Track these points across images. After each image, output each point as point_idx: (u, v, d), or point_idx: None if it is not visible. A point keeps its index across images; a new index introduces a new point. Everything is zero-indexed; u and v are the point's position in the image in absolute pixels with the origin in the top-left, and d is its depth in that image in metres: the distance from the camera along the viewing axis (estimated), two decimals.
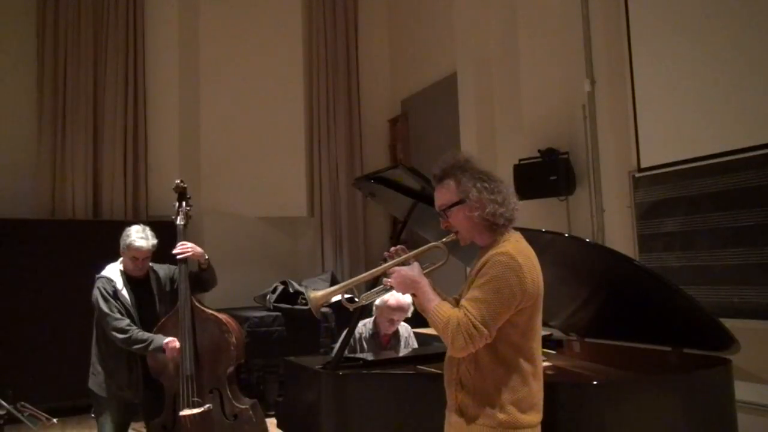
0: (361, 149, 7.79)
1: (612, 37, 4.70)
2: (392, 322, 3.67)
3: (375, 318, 3.74)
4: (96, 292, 3.40)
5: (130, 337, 3.32)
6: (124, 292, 3.44)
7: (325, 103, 7.63)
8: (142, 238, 3.43)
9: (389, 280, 2.05)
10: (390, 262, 2.11)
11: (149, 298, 3.56)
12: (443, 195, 2.06)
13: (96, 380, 3.45)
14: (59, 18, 6.44)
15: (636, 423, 2.34)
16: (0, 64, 6.31)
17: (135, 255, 3.44)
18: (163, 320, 3.52)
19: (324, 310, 6.09)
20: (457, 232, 2.06)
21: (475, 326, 1.84)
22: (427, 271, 2.05)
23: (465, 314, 1.86)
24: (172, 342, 3.36)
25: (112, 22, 6.67)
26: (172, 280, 3.63)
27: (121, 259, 3.54)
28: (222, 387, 3.50)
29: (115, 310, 3.37)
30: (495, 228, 2.00)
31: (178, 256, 3.52)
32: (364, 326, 3.74)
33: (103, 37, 6.65)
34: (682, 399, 2.47)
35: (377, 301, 3.68)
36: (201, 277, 3.64)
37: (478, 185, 2.00)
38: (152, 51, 6.96)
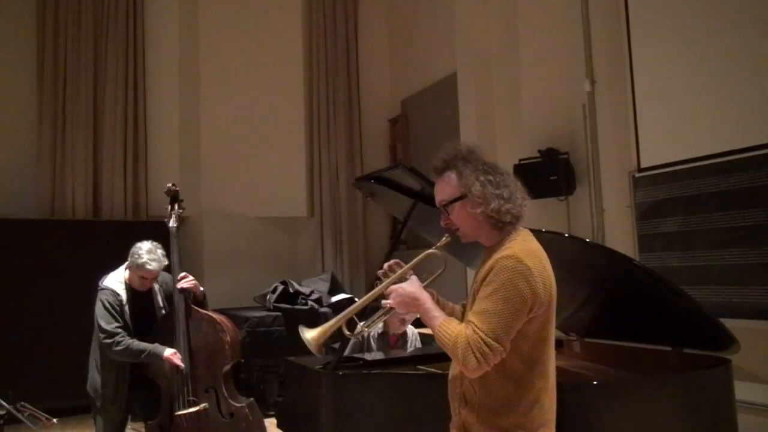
0: (361, 149, 7.79)
1: (612, 37, 4.70)
2: (403, 321, 3.67)
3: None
4: (99, 305, 3.38)
5: (126, 348, 3.32)
6: (127, 308, 3.44)
7: (325, 103, 7.63)
8: (154, 260, 3.40)
9: (389, 301, 1.88)
10: (386, 282, 1.95)
11: (150, 309, 3.58)
12: (444, 189, 1.87)
13: (91, 384, 3.48)
14: (59, 18, 6.44)
15: (636, 423, 2.34)
16: (0, 65, 6.31)
17: (144, 276, 3.44)
18: (158, 322, 3.55)
19: (323, 310, 6.09)
20: (457, 230, 1.89)
21: (486, 343, 1.66)
22: (426, 282, 1.91)
23: (474, 331, 1.68)
24: (175, 356, 3.37)
25: (112, 22, 6.67)
26: (167, 285, 3.64)
27: (126, 267, 3.51)
28: (218, 386, 3.51)
29: (115, 327, 3.35)
30: (501, 226, 1.82)
31: (180, 284, 3.51)
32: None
33: (103, 37, 6.65)
34: (682, 399, 2.48)
35: (384, 301, 3.68)
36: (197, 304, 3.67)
37: (482, 178, 1.82)
38: (152, 51, 6.96)
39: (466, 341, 1.68)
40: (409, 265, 1.98)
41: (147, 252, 3.40)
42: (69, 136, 6.40)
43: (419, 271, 1.98)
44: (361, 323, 2.01)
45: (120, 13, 6.71)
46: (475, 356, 1.67)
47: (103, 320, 3.35)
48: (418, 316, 3.52)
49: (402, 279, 1.94)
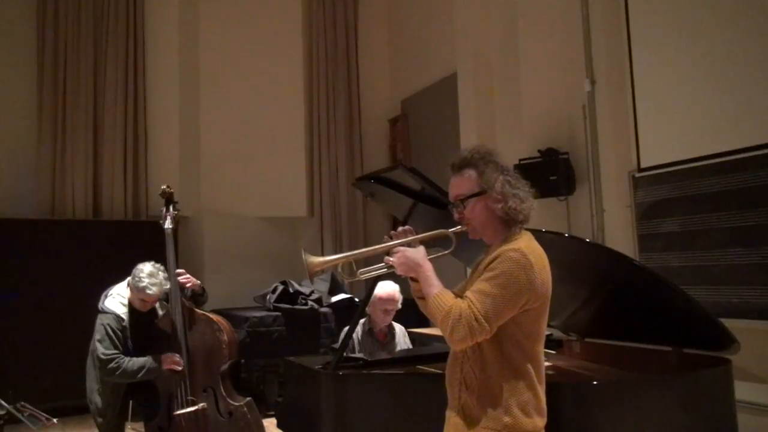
0: (361, 149, 7.79)
1: (612, 37, 4.70)
2: (387, 312, 3.69)
3: (369, 315, 3.75)
4: (101, 330, 3.38)
5: (118, 368, 3.34)
6: (129, 332, 3.45)
7: (325, 103, 7.63)
8: (154, 284, 3.39)
9: (392, 259, 1.98)
10: (395, 241, 2.04)
11: (150, 327, 3.58)
12: (462, 185, 1.98)
13: (88, 393, 3.49)
14: (59, 18, 6.44)
15: (636, 423, 2.34)
16: (0, 65, 6.30)
17: (145, 299, 3.44)
18: (155, 323, 3.56)
19: (323, 310, 6.10)
20: (468, 225, 1.99)
21: (477, 319, 1.78)
22: (431, 257, 1.98)
23: (469, 306, 1.80)
24: (171, 359, 3.39)
25: (112, 22, 6.67)
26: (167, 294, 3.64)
27: (128, 285, 3.51)
28: (216, 385, 3.52)
29: (114, 354, 3.35)
30: (511, 224, 1.93)
31: (179, 279, 3.54)
32: (359, 325, 3.75)
33: (103, 37, 6.65)
34: (682, 399, 2.47)
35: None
36: (196, 299, 3.70)
37: (502, 178, 1.93)
38: (152, 51, 6.96)
39: (459, 313, 1.80)
40: (420, 236, 2.07)
41: (148, 276, 3.38)
42: (69, 137, 6.39)
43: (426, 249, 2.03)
44: (359, 270, 2.09)
45: (120, 13, 6.71)
46: (464, 328, 1.79)
47: (102, 346, 3.35)
48: (399, 307, 3.58)
49: (410, 246, 2.02)
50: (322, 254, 7.41)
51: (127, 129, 6.68)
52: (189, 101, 7.12)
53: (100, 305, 3.47)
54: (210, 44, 7.22)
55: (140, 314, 3.51)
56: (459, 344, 1.85)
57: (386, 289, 3.61)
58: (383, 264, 2.04)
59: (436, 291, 1.88)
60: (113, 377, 3.36)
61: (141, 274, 3.39)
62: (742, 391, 2.84)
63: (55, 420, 2.86)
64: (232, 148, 7.21)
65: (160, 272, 3.44)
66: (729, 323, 2.63)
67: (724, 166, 3.86)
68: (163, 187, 3.79)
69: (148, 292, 3.37)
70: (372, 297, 3.63)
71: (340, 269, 2.10)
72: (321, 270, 2.06)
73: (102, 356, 3.33)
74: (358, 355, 3.42)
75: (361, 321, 3.76)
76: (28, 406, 2.86)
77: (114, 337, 3.36)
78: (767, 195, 3.63)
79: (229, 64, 7.26)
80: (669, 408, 2.41)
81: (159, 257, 3.65)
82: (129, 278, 3.49)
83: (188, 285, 3.59)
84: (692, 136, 4.10)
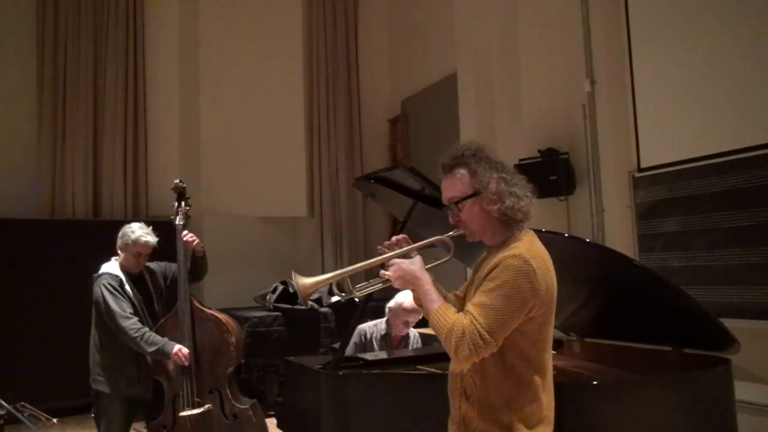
0: (361, 149, 7.80)
1: (612, 37, 4.70)
2: (407, 324, 3.67)
3: (388, 319, 3.73)
4: (101, 290, 3.33)
5: (141, 336, 3.28)
6: (128, 288, 3.41)
7: (325, 103, 7.63)
8: (147, 233, 3.44)
9: (387, 273, 1.87)
10: (390, 253, 1.93)
11: (147, 294, 3.56)
12: (454, 186, 1.87)
13: (102, 380, 3.39)
14: (59, 18, 6.44)
15: (636, 423, 2.34)
16: (0, 65, 6.30)
17: (140, 251, 3.43)
18: (162, 320, 3.53)
19: (323, 310, 6.10)
20: (465, 228, 1.89)
21: (481, 335, 1.69)
22: (429, 266, 1.88)
23: (471, 321, 1.70)
24: (181, 351, 3.36)
25: (112, 22, 6.67)
26: (166, 278, 3.63)
27: (114, 258, 3.50)
28: (222, 387, 3.51)
29: (125, 307, 3.31)
30: (510, 224, 1.84)
31: (185, 238, 3.54)
32: (375, 327, 3.74)
33: (103, 37, 6.65)
34: (682, 399, 2.48)
35: (390, 303, 3.69)
36: (196, 264, 3.66)
37: (495, 176, 1.82)
38: (152, 51, 6.96)
39: (462, 330, 1.70)
40: (416, 244, 1.98)
41: (138, 227, 3.45)
42: (69, 136, 6.39)
43: (423, 257, 1.95)
44: (354, 286, 2.00)
45: (120, 14, 6.71)
46: (469, 346, 1.69)
47: (112, 301, 3.29)
48: (421, 317, 3.58)
49: (406, 256, 1.92)
50: (322, 255, 7.44)
51: (127, 129, 6.68)
52: (189, 101, 7.11)
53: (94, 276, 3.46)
54: (210, 44, 7.22)
55: (133, 279, 3.47)
56: (464, 362, 1.76)
57: (411, 299, 3.55)
58: (379, 278, 1.94)
59: (436, 306, 1.78)
60: (129, 337, 3.27)
61: (132, 228, 3.45)
62: (742, 391, 2.83)
63: (55, 420, 2.86)
64: (232, 148, 7.21)
65: (148, 227, 3.51)
66: (729, 323, 2.63)
67: (724, 166, 3.86)
68: (176, 181, 3.76)
69: (144, 239, 3.39)
70: (395, 304, 3.62)
71: (335, 287, 1.99)
72: (314, 290, 1.94)
73: (115, 308, 3.25)
74: (361, 355, 3.42)
75: (380, 321, 3.75)
76: (28, 406, 2.86)
77: (115, 292, 3.31)
78: (767, 195, 3.63)
79: (229, 64, 7.27)
80: (669, 408, 2.41)
81: (160, 256, 3.65)
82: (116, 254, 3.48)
83: (195, 243, 3.56)
84: (692, 136, 4.10)
